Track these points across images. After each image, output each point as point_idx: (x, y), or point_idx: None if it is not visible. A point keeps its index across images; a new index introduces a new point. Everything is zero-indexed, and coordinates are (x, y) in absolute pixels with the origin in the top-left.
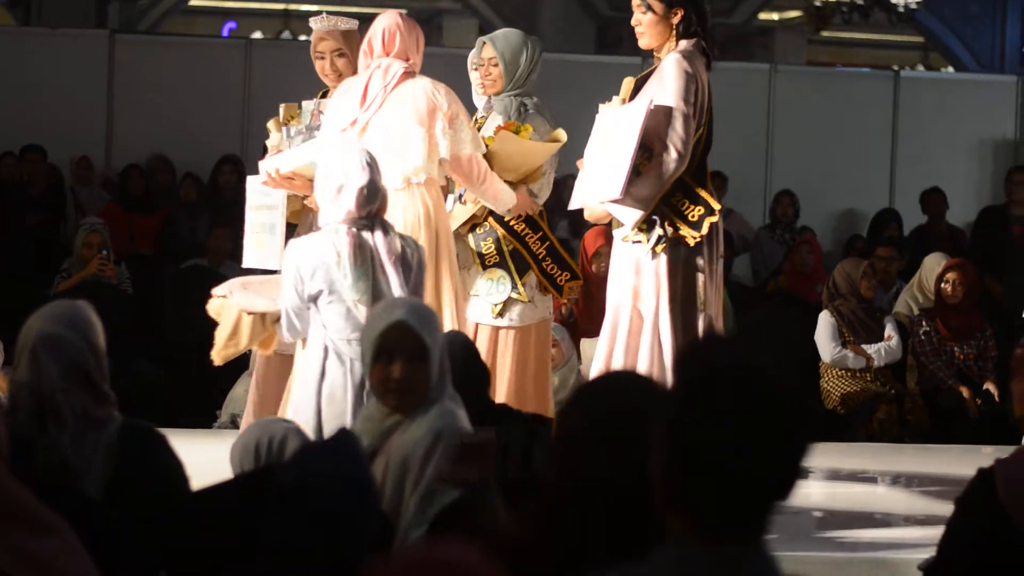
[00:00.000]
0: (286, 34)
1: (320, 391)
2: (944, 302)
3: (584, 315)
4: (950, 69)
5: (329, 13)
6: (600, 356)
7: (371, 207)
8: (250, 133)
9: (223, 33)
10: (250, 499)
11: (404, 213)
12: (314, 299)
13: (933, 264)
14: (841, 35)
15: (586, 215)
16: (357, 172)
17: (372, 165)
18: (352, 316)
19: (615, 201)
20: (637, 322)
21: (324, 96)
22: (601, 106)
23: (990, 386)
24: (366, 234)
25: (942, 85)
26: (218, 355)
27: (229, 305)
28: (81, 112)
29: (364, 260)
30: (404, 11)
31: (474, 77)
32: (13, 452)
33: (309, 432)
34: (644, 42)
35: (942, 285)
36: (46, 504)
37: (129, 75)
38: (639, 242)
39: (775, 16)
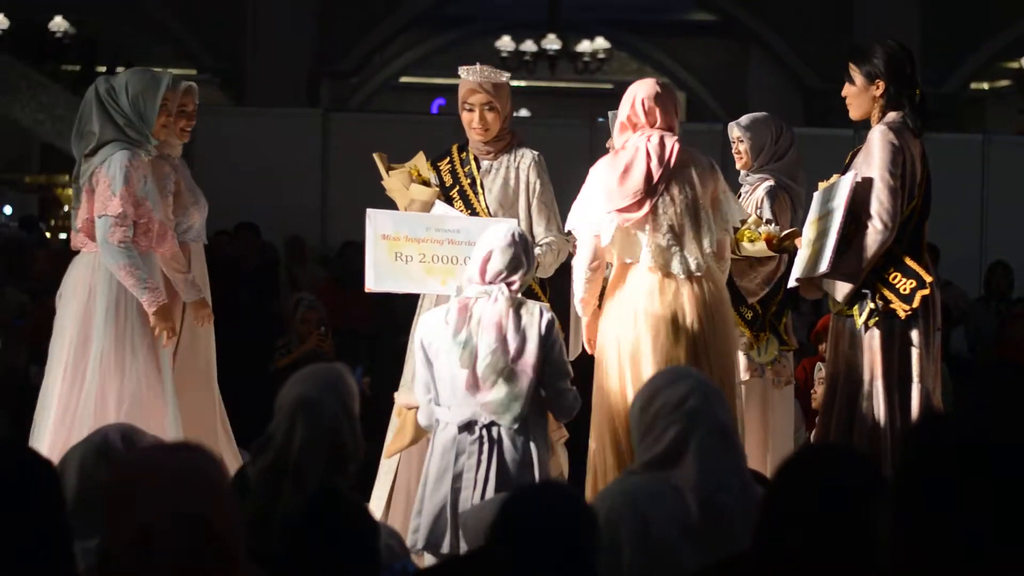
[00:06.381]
0: None
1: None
2: None
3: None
4: None
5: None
6: (817, 428)
7: (499, 277)
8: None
9: (432, 109)
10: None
11: (709, 300)
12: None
13: None
14: None
15: (801, 291)
16: (493, 241)
17: (516, 241)
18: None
19: (824, 275)
20: (851, 395)
21: (463, 152)
22: (820, 184)
23: None
24: (481, 301)
25: None
26: (387, 451)
27: (400, 405)
28: (295, 189)
29: (464, 327)
30: (659, 79)
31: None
32: None
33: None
34: (852, 113)
35: None
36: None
37: (341, 152)
38: (852, 316)
39: (985, 85)
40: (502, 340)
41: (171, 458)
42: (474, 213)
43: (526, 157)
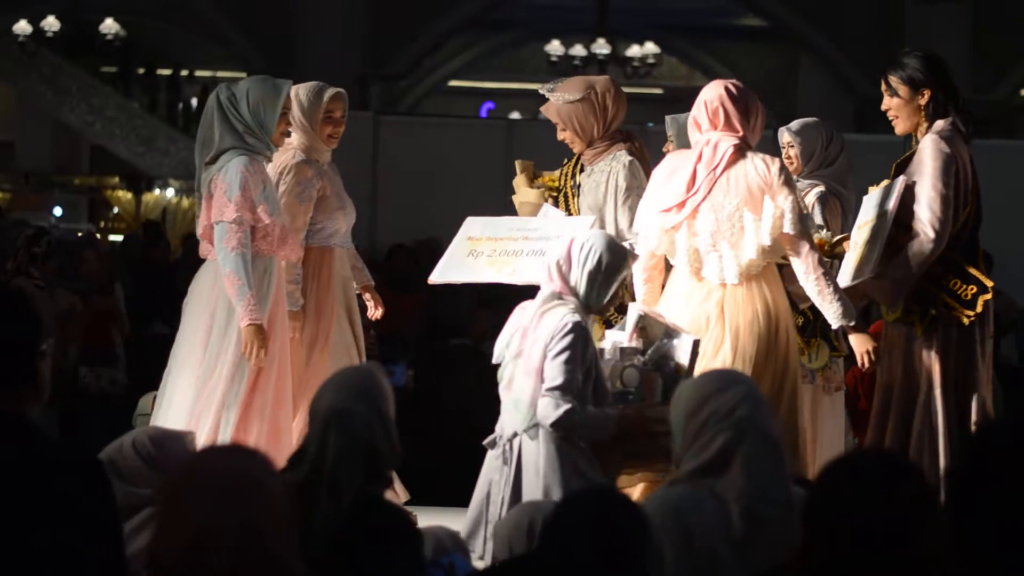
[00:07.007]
0: None
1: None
2: None
3: (868, 394)
4: None
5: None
6: (870, 435)
7: (551, 285)
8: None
9: (481, 113)
10: None
11: (742, 309)
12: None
13: None
14: None
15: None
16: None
17: (571, 250)
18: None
19: (872, 280)
20: (907, 404)
21: (578, 161)
22: (870, 188)
23: None
24: (529, 308)
25: None
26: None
27: None
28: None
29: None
30: (734, 80)
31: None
32: None
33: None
34: (898, 127)
35: None
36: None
37: (392, 155)
38: (910, 323)
39: None
40: (522, 343)
41: (221, 463)
42: (570, 215)
43: (618, 161)
